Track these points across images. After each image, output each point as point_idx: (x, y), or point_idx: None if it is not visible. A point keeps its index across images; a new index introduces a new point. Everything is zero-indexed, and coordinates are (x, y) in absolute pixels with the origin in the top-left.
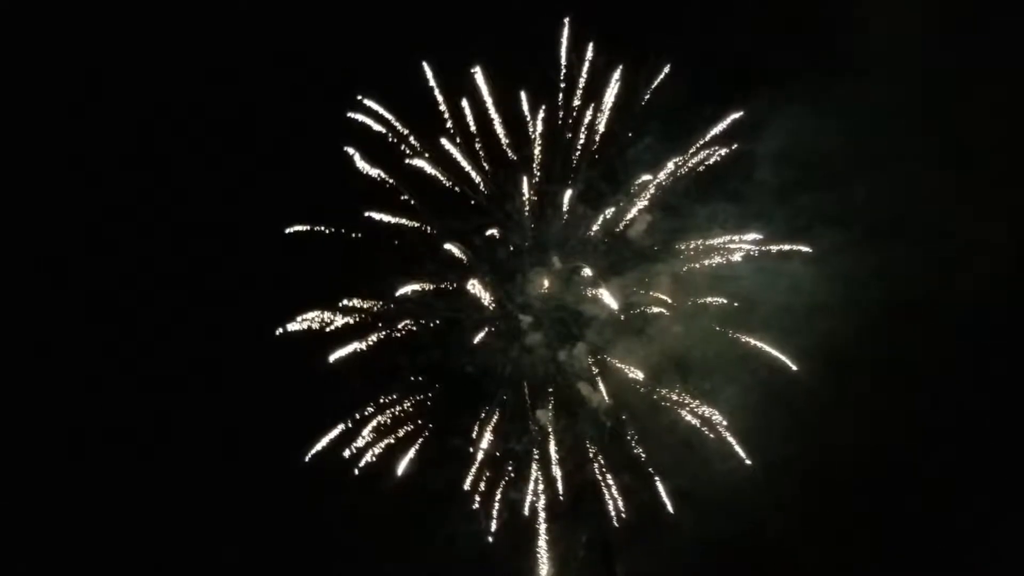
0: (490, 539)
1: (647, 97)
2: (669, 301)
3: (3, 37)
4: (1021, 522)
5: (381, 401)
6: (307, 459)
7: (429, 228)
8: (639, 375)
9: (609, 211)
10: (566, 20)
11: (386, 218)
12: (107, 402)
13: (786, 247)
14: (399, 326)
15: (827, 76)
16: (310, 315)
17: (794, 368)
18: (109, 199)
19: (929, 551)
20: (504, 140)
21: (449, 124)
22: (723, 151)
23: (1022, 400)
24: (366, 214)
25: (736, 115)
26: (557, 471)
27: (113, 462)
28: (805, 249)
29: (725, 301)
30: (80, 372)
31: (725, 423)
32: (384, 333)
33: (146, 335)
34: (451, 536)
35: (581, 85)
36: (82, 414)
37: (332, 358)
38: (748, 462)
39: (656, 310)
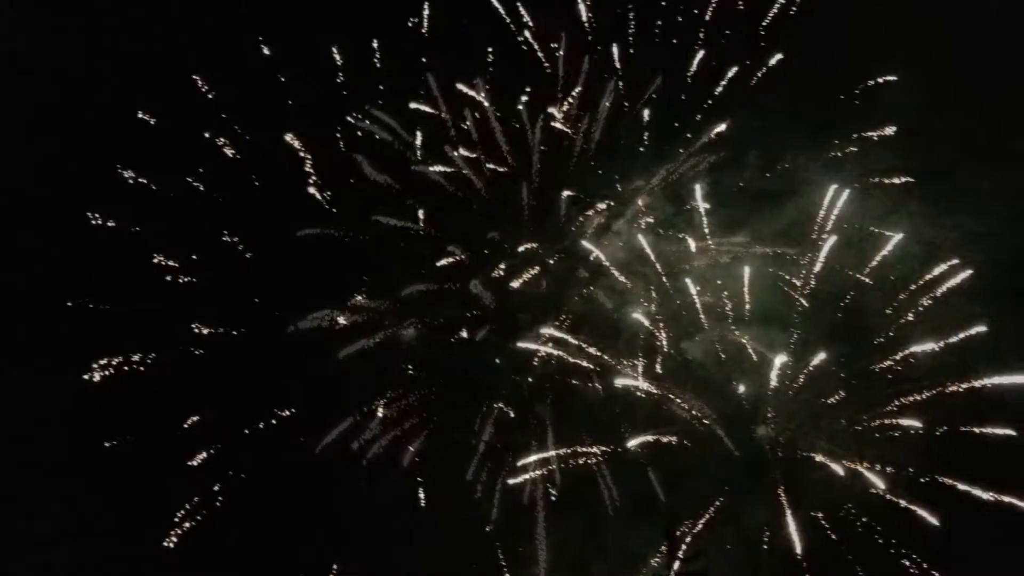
0: (487, 528)
1: (641, 107)
2: (657, 298)
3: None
4: None
5: (388, 396)
6: (317, 451)
7: (433, 231)
8: (636, 371)
9: (604, 214)
10: (563, 34)
11: (393, 222)
12: (119, 397)
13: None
14: (405, 324)
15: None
16: (320, 314)
17: (781, 362)
18: (130, 203)
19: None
20: (504, 147)
21: (452, 132)
22: (711, 158)
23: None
24: (374, 218)
25: (721, 126)
26: (555, 462)
27: (124, 456)
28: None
29: (714, 299)
30: (98, 365)
31: (715, 416)
32: (391, 331)
33: (160, 333)
34: (454, 523)
35: (578, 95)
36: (97, 407)
37: (341, 355)
38: (736, 453)
39: (649, 309)
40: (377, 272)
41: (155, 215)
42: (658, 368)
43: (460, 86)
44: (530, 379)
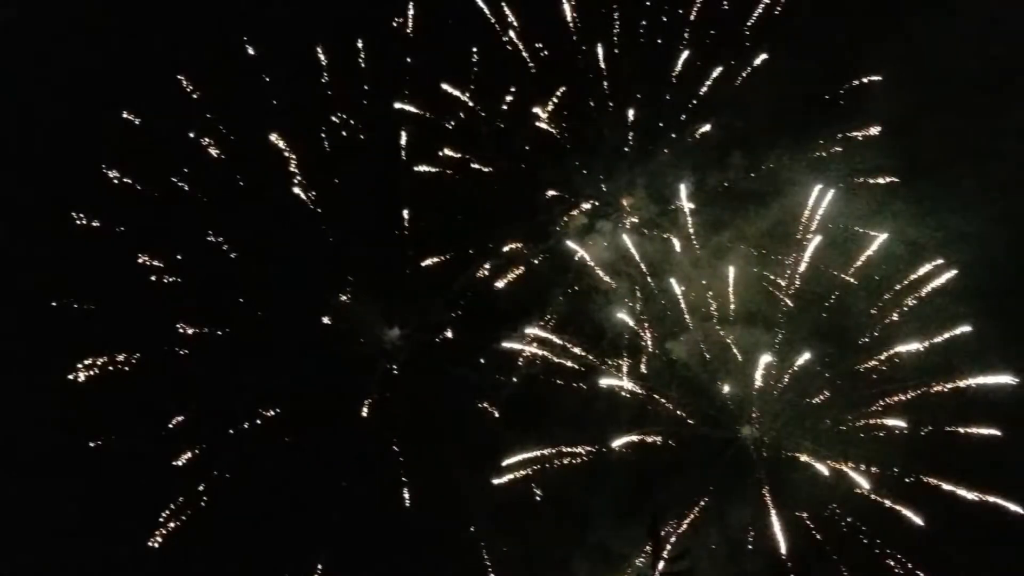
0: (472, 528)
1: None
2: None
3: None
4: None
5: (373, 395)
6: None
7: (417, 231)
8: (620, 370)
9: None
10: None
11: (377, 222)
12: (104, 396)
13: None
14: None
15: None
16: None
17: (765, 361)
18: (115, 203)
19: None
20: (489, 147)
21: (437, 132)
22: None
23: None
24: (358, 218)
25: (706, 126)
26: (540, 462)
27: (109, 456)
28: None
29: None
30: (82, 365)
31: (699, 416)
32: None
33: (145, 333)
34: (439, 523)
35: (563, 95)
36: (81, 407)
37: (326, 355)
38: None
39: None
40: (362, 272)
41: (140, 215)
42: (643, 368)
43: (445, 86)
44: (515, 379)
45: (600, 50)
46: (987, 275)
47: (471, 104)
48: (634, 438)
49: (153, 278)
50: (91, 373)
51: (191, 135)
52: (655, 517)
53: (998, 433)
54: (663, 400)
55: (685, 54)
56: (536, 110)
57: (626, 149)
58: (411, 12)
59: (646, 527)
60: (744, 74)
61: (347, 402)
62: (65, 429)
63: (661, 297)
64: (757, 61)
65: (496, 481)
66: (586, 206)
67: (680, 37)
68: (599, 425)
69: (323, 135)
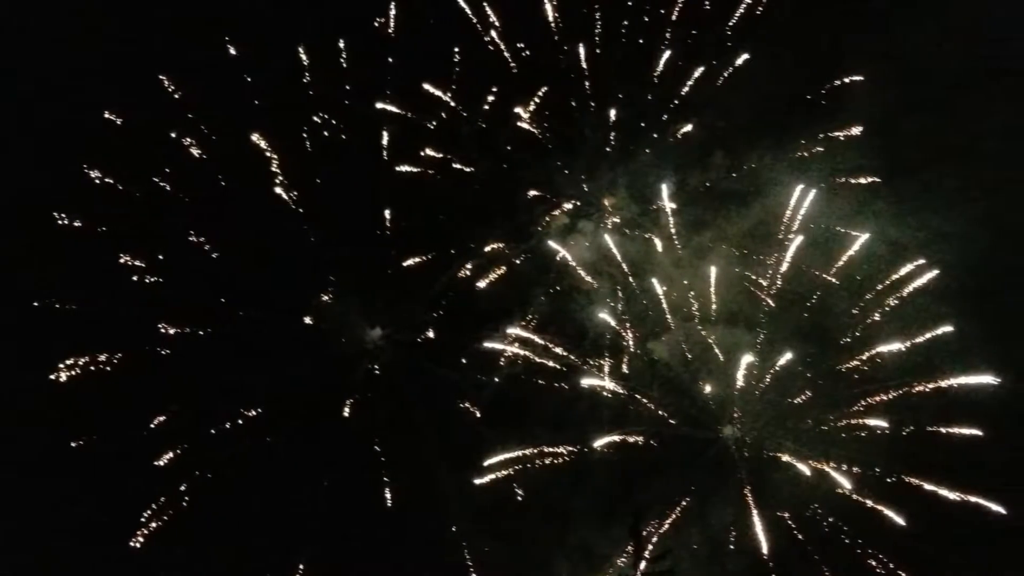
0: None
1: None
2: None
3: None
4: None
5: (354, 396)
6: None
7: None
8: (602, 370)
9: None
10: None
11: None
12: (86, 396)
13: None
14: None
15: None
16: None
17: (747, 362)
18: (97, 203)
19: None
20: (470, 147)
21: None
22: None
23: None
24: (340, 218)
25: (688, 126)
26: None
27: (90, 456)
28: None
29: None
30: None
31: (681, 416)
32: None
33: (127, 333)
34: (421, 523)
35: (544, 95)
36: (63, 407)
37: (307, 355)
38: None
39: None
40: (344, 272)
41: (122, 215)
42: (624, 368)
43: (426, 86)
44: (496, 379)
45: (582, 50)
46: (969, 275)
47: (453, 104)
48: (616, 438)
49: (135, 278)
50: (73, 373)
51: (173, 135)
52: (637, 517)
53: (979, 433)
54: (645, 400)
55: (667, 54)
56: (518, 110)
57: (608, 149)
58: (392, 12)
59: (628, 527)
60: (726, 74)
61: (329, 402)
62: (47, 429)
63: (643, 297)
64: (739, 61)
65: (478, 481)
66: (568, 206)
67: (662, 37)
68: (581, 425)
69: (305, 135)
